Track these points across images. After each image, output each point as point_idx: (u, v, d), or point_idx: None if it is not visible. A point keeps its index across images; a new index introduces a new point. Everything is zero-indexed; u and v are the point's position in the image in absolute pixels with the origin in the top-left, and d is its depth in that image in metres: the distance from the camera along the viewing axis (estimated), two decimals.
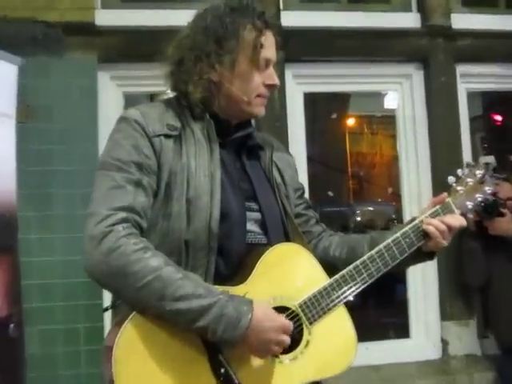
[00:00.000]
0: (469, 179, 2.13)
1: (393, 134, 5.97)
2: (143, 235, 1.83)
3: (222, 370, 1.77)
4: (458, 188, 2.12)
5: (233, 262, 1.91)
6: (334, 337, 1.94)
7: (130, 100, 4.18)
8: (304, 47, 4.20)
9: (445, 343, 4.27)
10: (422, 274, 4.32)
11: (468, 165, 2.17)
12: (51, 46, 3.87)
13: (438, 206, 2.08)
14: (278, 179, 2.14)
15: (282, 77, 3.88)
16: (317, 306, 1.91)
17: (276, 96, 4.05)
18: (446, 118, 4.36)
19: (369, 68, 4.40)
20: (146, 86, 4.23)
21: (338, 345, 1.94)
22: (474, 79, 4.56)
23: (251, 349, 1.79)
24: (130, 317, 1.74)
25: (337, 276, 1.96)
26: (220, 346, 1.77)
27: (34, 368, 3.57)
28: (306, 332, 1.90)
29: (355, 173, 12.13)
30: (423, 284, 4.36)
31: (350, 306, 1.98)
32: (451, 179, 2.13)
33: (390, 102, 5.49)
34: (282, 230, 2.06)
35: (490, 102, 6.90)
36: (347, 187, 12.11)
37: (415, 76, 4.47)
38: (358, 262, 1.98)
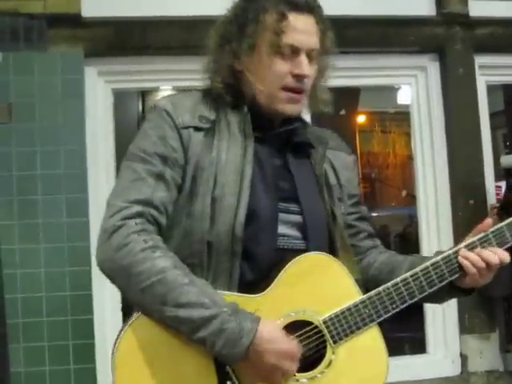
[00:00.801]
0: None
1: (407, 132, 5.94)
2: (164, 232, 1.86)
3: (229, 383, 1.76)
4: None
5: (260, 267, 1.86)
6: (362, 361, 1.86)
7: (120, 97, 4.16)
8: None
9: (464, 358, 4.21)
10: None
11: None
12: (34, 39, 3.86)
13: (489, 231, 1.91)
14: (332, 180, 2.09)
15: None
16: (344, 324, 1.84)
17: None
18: (465, 113, 4.31)
19: (380, 60, 4.34)
20: (136, 82, 4.23)
21: (365, 370, 1.86)
22: (494, 71, 4.51)
23: (253, 373, 1.75)
24: (134, 319, 1.77)
25: (372, 293, 1.88)
26: None
27: None
28: (329, 351, 1.83)
29: (366, 174, 12.06)
30: None
31: None
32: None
33: (404, 96, 5.47)
34: (325, 236, 2.00)
35: (511, 95, 6.85)
36: None
37: (430, 68, 4.42)
38: (390, 284, 1.89)
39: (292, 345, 1.76)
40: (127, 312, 1.87)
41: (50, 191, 3.78)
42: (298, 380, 1.80)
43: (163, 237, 1.86)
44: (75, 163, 3.80)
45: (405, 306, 1.89)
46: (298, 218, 1.95)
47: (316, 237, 1.96)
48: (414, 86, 4.48)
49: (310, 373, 1.82)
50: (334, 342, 1.83)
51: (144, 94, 7.86)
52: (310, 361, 1.82)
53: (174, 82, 4.59)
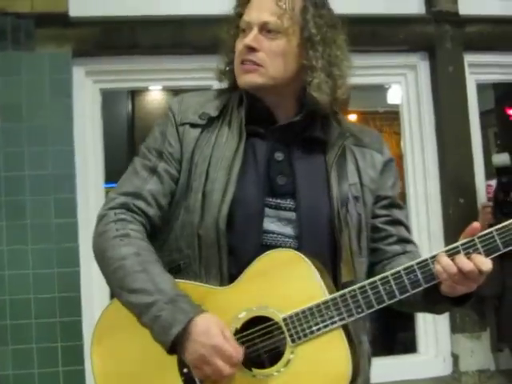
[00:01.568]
0: None
1: (397, 131, 5.92)
2: (164, 224, 1.97)
3: (185, 370, 1.81)
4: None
5: (243, 263, 1.85)
6: (322, 363, 1.80)
7: (109, 97, 4.15)
8: None
9: (455, 358, 4.21)
10: None
11: None
12: (21, 39, 3.83)
13: (475, 237, 1.77)
14: (353, 178, 2.01)
15: None
16: (303, 324, 1.79)
17: None
18: (455, 112, 4.29)
19: (369, 59, 4.29)
20: (125, 82, 4.21)
21: (324, 373, 1.79)
22: (484, 69, 4.50)
23: (187, 362, 1.76)
24: (113, 300, 1.92)
25: (336, 294, 1.81)
26: None
27: None
28: (288, 350, 1.80)
29: None
30: None
31: None
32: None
33: (394, 96, 5.45)
34: (326, 235, 1.93)
35: (502, 94, 6.85)
36: None
37: (420, 66, 4.40)
38: (356, 286, 1.81)
39: (231, 346, 1.73)
40: None
41: (37, 192, 3.76)
42: (254, 376, 1.80)
43: (164, 229, 1.97)
44: (63, 164, 3.78)
45: (373, 310, 1.80)
46: (290, 215, 1.93)
47: (311, 235, 1.92)
48: (404, 84, 4.47)
49: (267, 370, 1.80)
50: (293, 341, 1.79)
51: (134, 93, 7.85)
52: (270, 358, 1.81)
53: (163, 81, 4.58)
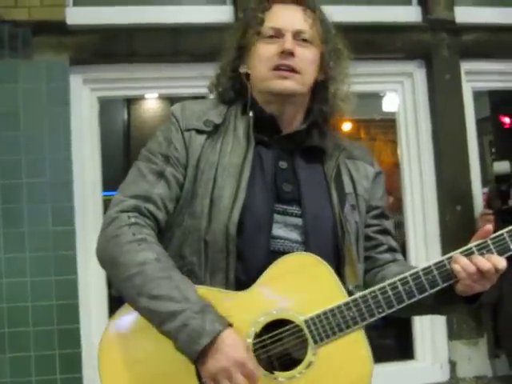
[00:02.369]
0: None
1: (392, 140, 5.93)
2: (166, 229, 1.95)
3: (205, 380, 1.75)
4: None
5: (253, 268, 1.88)
6: (344, 364, 1.84)
7: (106, 105, 4.14)
8: None
9: (453, 364, 4.20)
10: None
11: None
12: (19, 47, 3.84)
13: (488, 238, 1.87)
14: (348, 188, 2.08)
15: None
16: (325, 325, 1.82)
17: None
18: (451, 119, 4.31)
19: (365, 66, 4.26)
20: (123, 90, 4.21)
21: (347, 374, 1.84)
22: (480, 77, 4.51)
23: (205, 373, 1.73)
24: (119, 310, 1.88)
25: (357, 295, 1.86)
26: None
27: None
28: (310, 352, 1.82)
29: None
30: None
31: None
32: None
33: (389, 104, 5.46)
34: (330, 241, 1.98)
35: (497, 102, 6.86)
36: None
37: (417, 74, 4.42)
38: (376, 288, 1.87)
39: (251, 363, 1.74)
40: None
41: (35, 200, 3.75)
42: (275, 378, 1.80)
43: (166, 235, 1.95)
44: (61, 172, 3.78)
45: (393, 310, 1.86)
46: (297, 221, 1.96)
47: (317, 241, 1.95)
48: (401, 92, 4.48)
49: (289, 372, 1.81)
50: (315, 343, 1.82)
51: (129, 102, 7.84)
52: (291, 360, 1.82)
53: (160, 89, 4.59)
